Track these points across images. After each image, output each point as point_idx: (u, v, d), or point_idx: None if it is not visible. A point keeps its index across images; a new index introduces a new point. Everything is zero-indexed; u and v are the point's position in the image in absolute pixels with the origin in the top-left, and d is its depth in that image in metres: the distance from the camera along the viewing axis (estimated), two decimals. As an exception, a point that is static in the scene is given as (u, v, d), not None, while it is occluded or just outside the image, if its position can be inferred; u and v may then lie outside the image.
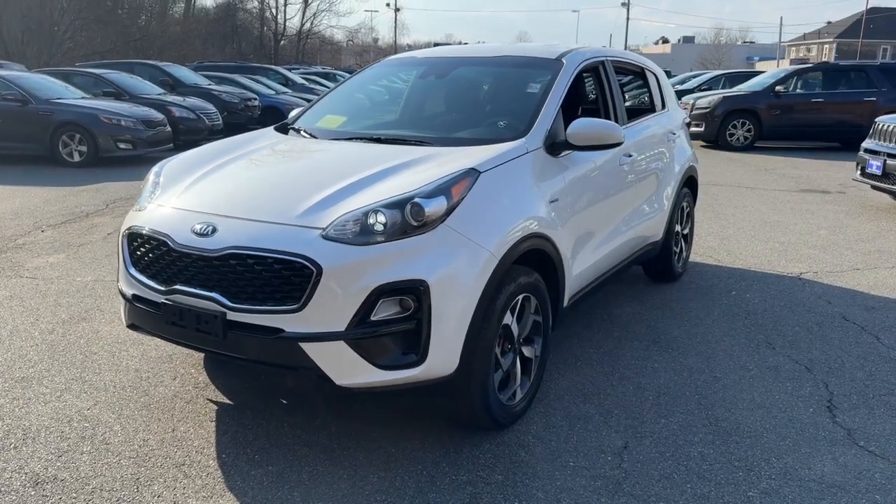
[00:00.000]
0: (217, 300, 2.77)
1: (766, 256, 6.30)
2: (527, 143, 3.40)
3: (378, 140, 3.66)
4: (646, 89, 5.26)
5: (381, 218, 2.72)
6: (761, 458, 2.99)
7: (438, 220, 2.77)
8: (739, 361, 4.01)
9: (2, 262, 5.90)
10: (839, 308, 4.92)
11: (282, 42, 57.56)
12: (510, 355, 3.17)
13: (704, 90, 18.95)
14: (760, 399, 3.54)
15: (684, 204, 5.47)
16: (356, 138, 3.74)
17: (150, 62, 19.16)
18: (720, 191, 9.77)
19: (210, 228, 2.85)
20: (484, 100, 4.11)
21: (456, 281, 2.75)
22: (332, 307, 2.63)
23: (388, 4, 68.67)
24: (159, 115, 12.52)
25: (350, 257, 2.65)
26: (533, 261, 3.26)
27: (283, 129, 4.10)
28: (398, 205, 2.76)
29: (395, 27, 70.99)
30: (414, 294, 2.66)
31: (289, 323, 2.66)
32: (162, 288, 2.94)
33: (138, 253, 3.10)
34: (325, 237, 2.69)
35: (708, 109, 14.91)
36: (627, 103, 5.08)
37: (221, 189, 3.18)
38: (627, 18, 72.68)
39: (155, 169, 3.52)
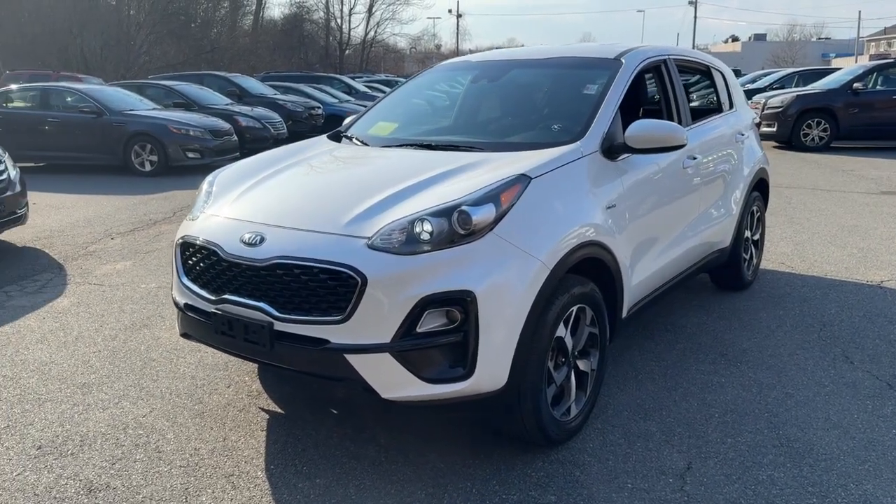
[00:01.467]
0: (264, 310, 2.74)
1: (843, 263, 5.95)
2: (581, 147, 3.27)
3: (429, 146, 3.59)
4: (712, 89, 5.04)
5: (428, 227, 2.64)
6: (837, 484, 2.77)
7: (487, 229, 2.67)
8: (814, 377, 3.76)
9: (72, 269, 6.10)
10: (925, 319, 4.58)
11: (346, 51, 58.52)
12: (564, 369, 3.03)
13: (776, 89, 18.22)
14: (837, 418, 3.30)
15: (754, 208, 5.21)
16: (407, 145, 3.68)
17: (219, 73, 19.70)
18: (794, 193, 9.33)
19: (258, 238, 2.83)
20: (539, 103, 3.99)
21: (505, 292, 2.65)
22: (377, 318, 2.56)
23: (450, 11, 68.93)
24: (226, 125, 12.82)
25: (395, 267, 2.58)
26: (588, 270, 3.12)
27: (336, 137, 4.08)
28: (445, 213, 2.68)
29: (458, 33, 71.13)
30: (461, 305, 2.56)
31: (334, 334, 2.61)
32: (212, 297, 2.94)
33: (190, 262, 3.11)
34: (371, 246, 2.63)
35: (780, 109, 14.31)
36: (693, 103, 4.88)
37: (271, 198, 3.17)
38: (695, 17, 70.85)
39: (209, 178, 3.54)
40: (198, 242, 3.05)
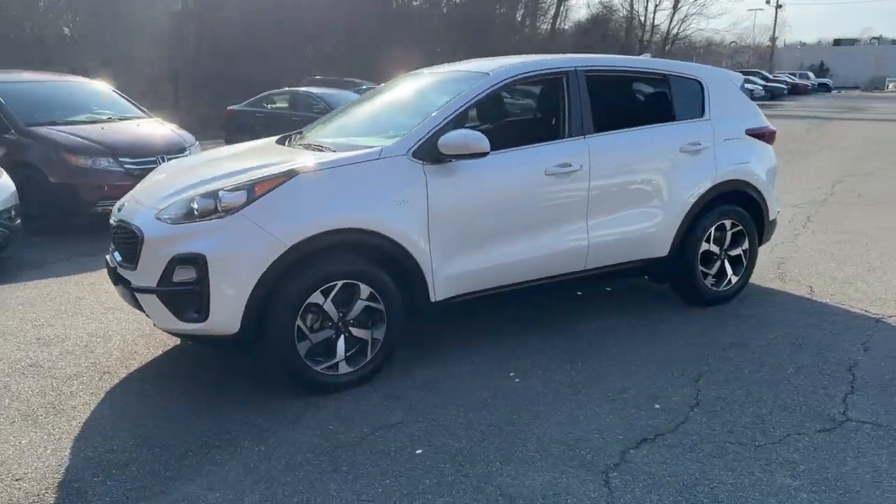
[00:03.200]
0: (115, 259, 3.92)
1: None
2: (383, 151, 3.86)
3: (311, 146, 4.41)
4: (663, 98, 4.98)
5: (196, 205, 3.56)
6: None
7: (236, 210, 3.50)
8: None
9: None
10: None
11: (648, 48, 57.62)
12: (328, 332, 3.70)
13: None
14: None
15: (727, 222, 5.00)
16: (305, 146, 4.52)
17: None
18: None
19: (121, 206, 4.01)
20: (406, 111, 4.58)
21: (236, 258, 3.46)
22: (149, 268, 3.57)
23: (767, 1, 63.60)
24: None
25: (162, 231, 3.57)
26: (370, 254, 3.73)
27: (282, 140, 5.04)
28: (211, 195, 3.58)
29: (774, 26, 65.35)
30: (198, 265, 3.45)
31: (133, 277, 3.68)
32: (109, 254, 4.17)
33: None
34: (157, 217, 3.64)
35: None
36: (623, 111, 4.92)
37: (155, 182, 4.32)
38: None
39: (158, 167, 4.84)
40: (115, 216, 4.25)
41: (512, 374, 3.99)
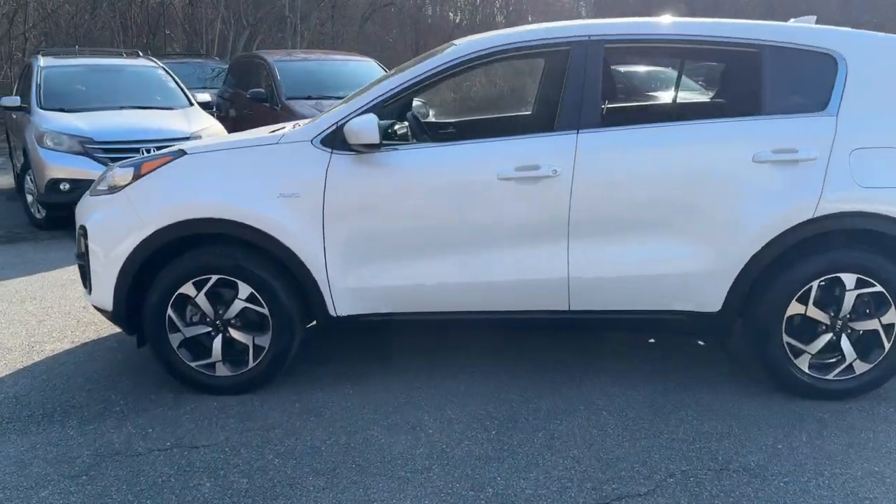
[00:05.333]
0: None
1: None
2: (286, 136, 3.36)
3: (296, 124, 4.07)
4: (745, 81, 3.29)
5: (108, 177, 3.57)
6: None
7: (121, 188, 3.42)
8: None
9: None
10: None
11: None
12: (200, 328, 3.41)
13: None
14: None
15: (846, 276, 3.19)
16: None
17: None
18: None
19: None
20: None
21: (107, 234, 3.39)
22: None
23: None
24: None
25: (82, 202, 3.66)
26: (252, 251, 3.33)
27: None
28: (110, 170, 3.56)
29: None
30: (85, 238, 3.47)
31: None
32: None
33: None
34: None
35: None
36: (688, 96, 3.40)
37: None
38: None
39: None
40: None
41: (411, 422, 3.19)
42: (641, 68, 10.93)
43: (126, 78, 8.25)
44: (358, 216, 3.30)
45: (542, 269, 3.29)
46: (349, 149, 3.25)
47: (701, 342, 3.91)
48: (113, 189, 3.45)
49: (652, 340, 4.00)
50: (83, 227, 3.50)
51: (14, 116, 8.23)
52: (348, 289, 3.35)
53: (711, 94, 4.55)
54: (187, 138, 6.80)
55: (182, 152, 3.43)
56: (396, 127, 3.88)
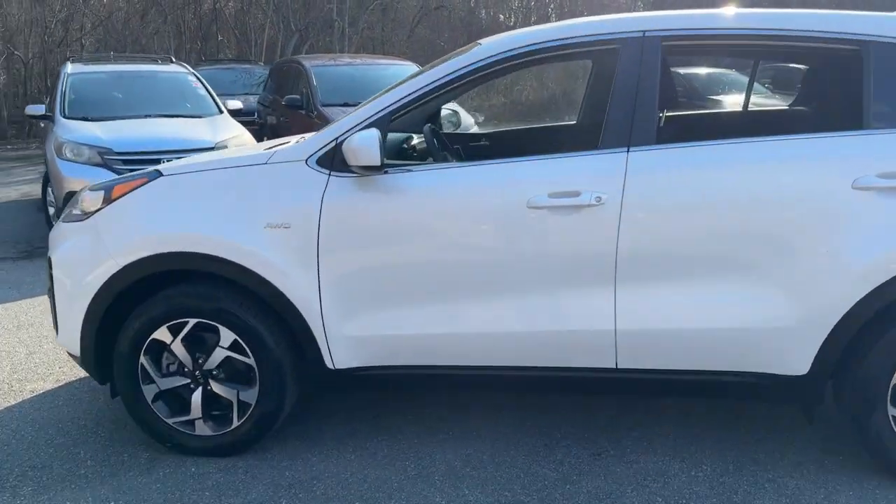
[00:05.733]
0: None
1: None
2: (277, 154, 2.83)
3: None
4: (842, 87, 2.60)
5: (79, 201, 3.10)
6: None
7: (91, 213, 2.94)
8: None
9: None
10: None
11: None
12: (177, 378, 2.91)
13: None
14: None
15: None
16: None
17: None
18: None
19: None
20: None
21: (73, 269, 2.91)
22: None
23: None
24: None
25: (54, 231, 3.19)
26: (236, 290, 2.81)
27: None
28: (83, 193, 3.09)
29: None
30: (50, 271, 3.01)
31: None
32: None
33: None
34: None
35: None
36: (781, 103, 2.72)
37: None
38: None
39: None
40: None
41: (404, 505, 2.61)
42: (701, 70, 9.87)
43: (154, 85, 7.92)
44: (359, 252, 2.75)
45: (582, 318, 2.67)
46: (350, 170, 2.71)
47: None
48: (83, 215, 2.98)
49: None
50: (49, 259, 3.04)
51: (42, 125, 7.99)
52: (348, 337, 2.80)
53: (790, 101, 3.83)
54: (211, 148, 6.38)
55: (158, 173, 2.94)
56: (415, 142, 3.34)
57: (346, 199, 2.72)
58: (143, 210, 2.87)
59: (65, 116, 7.03)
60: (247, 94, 12.77)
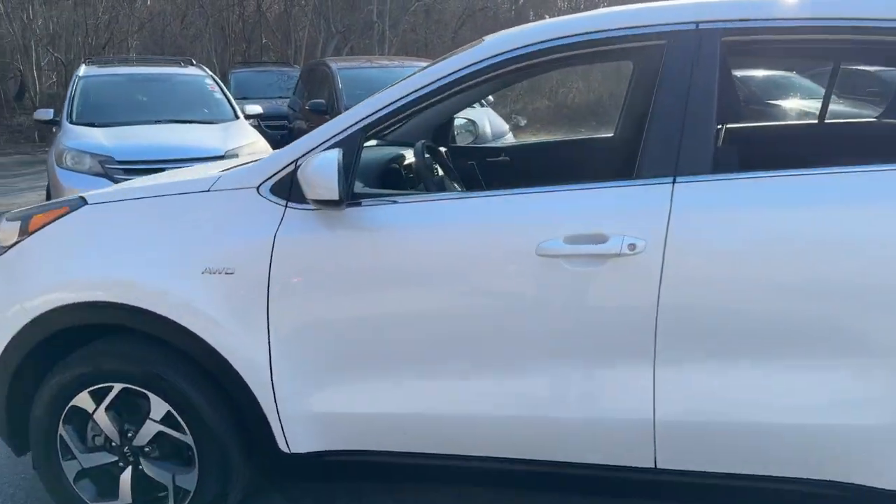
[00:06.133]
0: None
1: None
2: (222, 180, 2.24)
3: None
4: None
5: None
6: None
7: (5, 249, 2.40)
8: None
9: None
10: None
11: None
12: (106, 456, 2.34)
13: None
14: None
15: None
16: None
17: None
18: None
19: None
20: None
21: (-23, 321, 2.37)
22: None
23: None
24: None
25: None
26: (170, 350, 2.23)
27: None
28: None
29: None
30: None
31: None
32: None
33: None
34: None
35: None
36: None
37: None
38: None
39: None
40: None
41: None
42: (757, 73, 7.92)
43: (168, 88, 7.47)
44: (321, 306, 2.13)
45: (609, 403, 2.01)
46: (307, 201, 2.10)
47: None
48: (1, 248, 2.44)
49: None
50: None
51: (53, 130, 7.63)
52: (307, 415, 2.19)
53: (878, 114, 3.09)
54: (221, 157, 5.88)
55: (83, 201, 2.37)
56: (409, 161, 2.73)
57: (306, 238, 2.12)
58: (58, 247, 2.32)
59: (71, 122, 6.62)
60: (281, 97, 12.36)
